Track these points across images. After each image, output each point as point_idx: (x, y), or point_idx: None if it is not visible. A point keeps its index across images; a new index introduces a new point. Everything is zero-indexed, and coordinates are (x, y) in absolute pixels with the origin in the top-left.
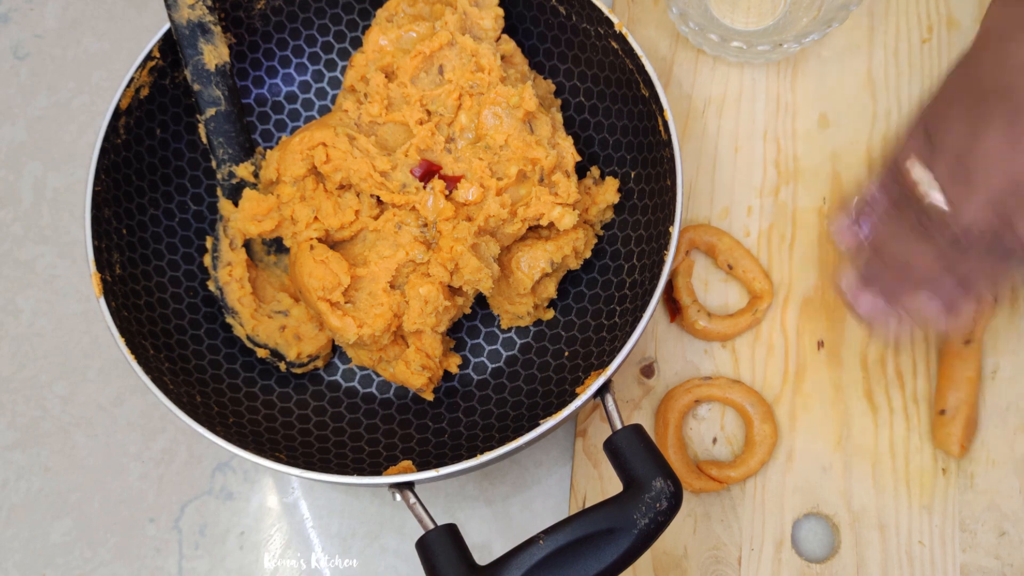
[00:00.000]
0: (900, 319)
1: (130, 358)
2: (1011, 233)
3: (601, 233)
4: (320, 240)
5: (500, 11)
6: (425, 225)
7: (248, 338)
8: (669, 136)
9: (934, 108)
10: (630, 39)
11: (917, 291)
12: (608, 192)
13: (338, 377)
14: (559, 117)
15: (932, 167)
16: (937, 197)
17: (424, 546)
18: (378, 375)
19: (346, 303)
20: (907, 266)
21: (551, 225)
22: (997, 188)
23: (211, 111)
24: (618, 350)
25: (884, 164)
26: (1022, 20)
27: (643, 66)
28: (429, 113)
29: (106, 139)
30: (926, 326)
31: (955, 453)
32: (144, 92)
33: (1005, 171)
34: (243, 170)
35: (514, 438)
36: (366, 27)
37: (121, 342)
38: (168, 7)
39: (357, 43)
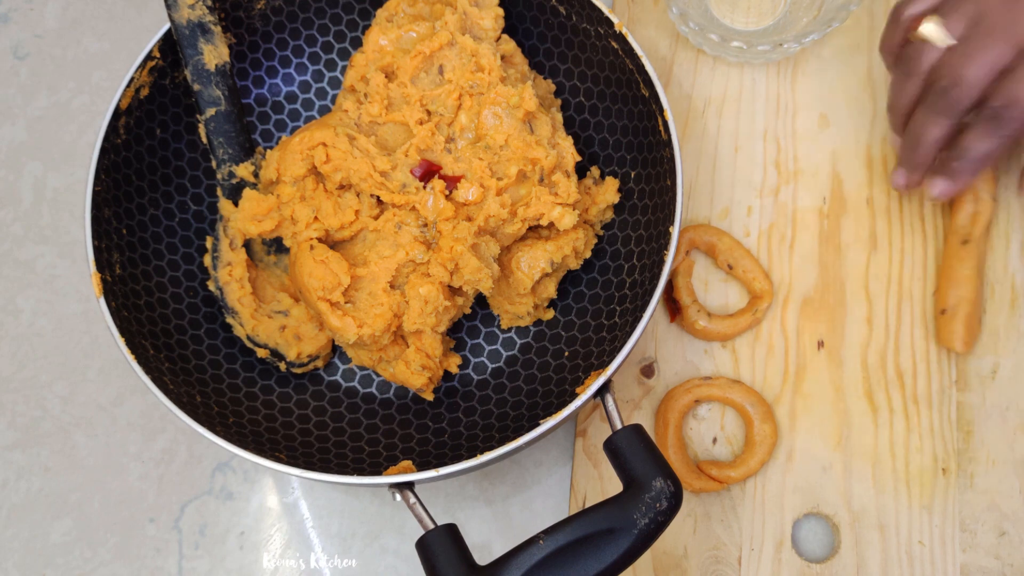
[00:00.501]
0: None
1: (130, 358)
2: (1011, 101)
3: (601, 233)
4: (320, 240)
5: (500, 11)
6: (425, 225)
7: (248, 338)
8: (669, 136)
9: None
10: (630, 39)
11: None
12: (608, 192)
13: (338, 377)
14: (559, 117)
15: (943, 10)
16: (944, 38)
17: (424, 546)
18: (378, 375)
19: (346, 303)
20: (920, 136)
21: (551, 225)
22: (1003, 47)
23: (211, 111)
24: (618, 350)
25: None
26: None
27: (643, 66)
28: (429, 113)
29: (106, 139)
30: (935, 201)
31: (959, 349)
32: (144, 92)
33: (1014, 31)
34: (243, 170)
35: (514, 438)
36: (366, 27)
37: (121, 342)
38: (168, 7)
39: (357, 43)
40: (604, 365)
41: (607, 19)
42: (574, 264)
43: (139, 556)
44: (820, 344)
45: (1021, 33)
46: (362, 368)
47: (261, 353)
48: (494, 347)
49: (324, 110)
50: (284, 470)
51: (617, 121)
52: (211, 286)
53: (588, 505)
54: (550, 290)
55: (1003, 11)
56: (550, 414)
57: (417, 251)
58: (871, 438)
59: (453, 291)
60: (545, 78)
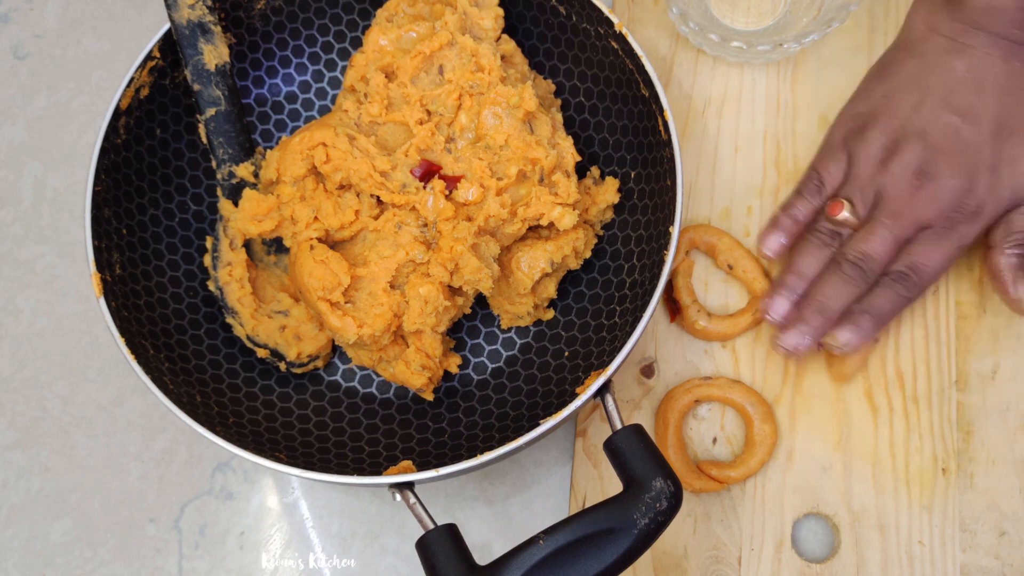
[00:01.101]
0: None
1: (130, 358)
2: (908, 265)
3: (601, 233)
4: (320, 240)
5: (500, 11)
6: (425, 225)
7: (248, 338)
8: (669, 136)
9: (854, 121)
10: (630, 39)
11: (838, 326)
12: (608, 192)
13: (338, 377)
14: (559, 117)
15: (850, 193)
16: (849, 216)
17: (424, 546)
18: (378, 375)
19: (346, 303)
20: (827, 300)
21: (551, 225)
22: (903, 226)
23: (211, 111)
24: (618, 350)
25: (806, 172)
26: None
27: (643, 66)
28: (429, 113)
29: (106, 139)
30: (839, 353)
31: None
32: (144, 92)
33: (912, 212)
34: (243, 170)
35: (514, 438)
36: (366, 27)
37: (121, 342)
38: (168, 7)
39: (357, 43)
40: (604, 365)
41: (607, 19)
42: (574, 264)
43: (139, 556)
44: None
45: (916, 215)
46: (362, 368)
47: (261, 353)
48: (494, 347)
49: (324, 110)
50: (284, 470)
51: (617, 121)
52: (211, 286)
53: (588, 505)
54: (550, 290)
55: (902, 196)
56: (550, 414)
57: (417, 251)
58: (871, 438)
59: (453, 291)
60: (545, 78)
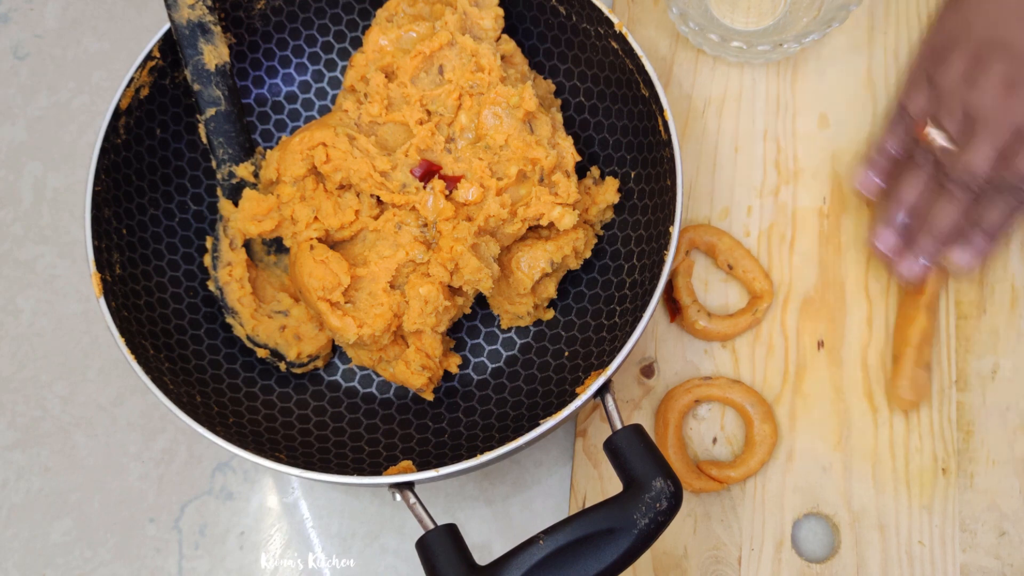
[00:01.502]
0: (937, 272)
1: (130, 358)
2: (1015, 173)
3: (601, 233)
4: (320, 240)
5: (500, 11)
6: (425, 225)
7: (248, 338)
8: (669, 136)
9: (933, 52)
10: (630, 39)
11: (951, 246)
12: (608, 192)
13: (338, 377)
14: (559, 117)
15: (938, 115)
16: (945, 144)
17: (424, 546)
18: (378, 375)
19: (346, 303)
20: (935, 220)
21: (551, 225)
22: (1001, 135)
23: (211, 111)
24: (618, 350)
25: (892, 109)
26: None
27: (643, 66)
28: (429, 113)
29: (106, 139)
30: (961, 275)
31: (906, 399)
32: (144, 92)
33: (1007, 120)
34: (243, 170)
35: (514, 438)
36: (366, 27)
37: (121, 342)
38: (168, 7)
39: (357, 43)
40: (604, 365)
41: (607, 19)
42: (574, 264)
43: (139, 556)
44: (820, 344)
45: (1012, 124)
46: (362, 368)
47: (261, 353)
48: (494, 347)
49: (324, 110)
50: (284, 470)
51: (617, 121)
52: (211, 286)
53: (588, 505)
54: (550, 290)
55: (994, 108)
56: (550, 414)
57: (417, 251)
58: (871, 438)
59: (453, 291)
60: (545, 78)
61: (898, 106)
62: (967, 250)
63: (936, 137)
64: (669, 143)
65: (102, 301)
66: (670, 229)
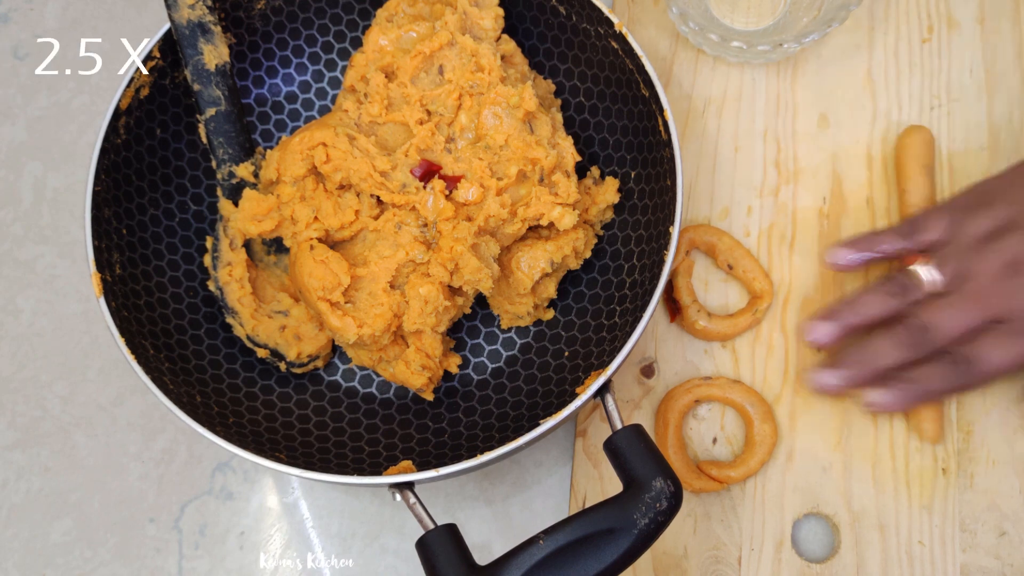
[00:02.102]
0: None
1: (130, 358)
2: (973, 359)
3: (601, 233)
4: (320, 240)
5: (500, 11)
6: (425, 225)
7: (248, 338)
8: (669, 136)
9: (976, 198)
10: (630, 39)
11: (873, 384)
12: (608, 192)
13: (338, 377)
14: (559, 117)
15: (938, 256)
16: (929, 283)
17: (424, 546)
18: (378, 375)
19: (346, 303)
20: (873, 353)
21: (551, 225)
22: (980, 311)
23: (211, 111)
24: (618, 350)
25: (906, 218)
26: None
27: (643, 66)
28: (429, 113)
29: (106, 139)
30: (865, 411)
31: (929, 437)
32: (144, 92)
33: (992, 299)
34: (243, 170)
35: (514, 438)
36: (366, 27)
37: (121, 342)
38: (168, 7)
39: (357, 43)
40: (604, 365)
41: (607, 19)
42: (574, 264)
43: (139, 556)
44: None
45: (996, 305)
46: (362, 368)
47: (261, 353)
48: (494, 347)
49: (324, 110)
50: (284, 470)
51: (617, 121)
52: (211, 286)
53: (588, 505)
54: (550, 290)
55: (989, 281)
56: (550, 414)
57: (417, 251)
58: (871, 438)
59: (453, 291)
60: (545, 78)
61: (916, 216)
62: (886, 396)
63: (923, 277)
64: (669, 143)
65: (102, 301)
66: (670, 229)
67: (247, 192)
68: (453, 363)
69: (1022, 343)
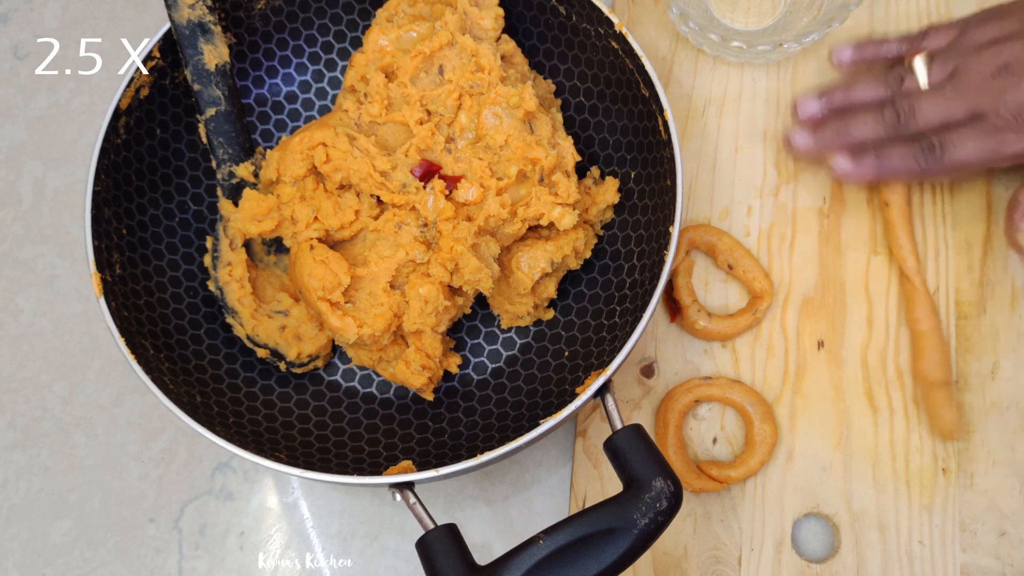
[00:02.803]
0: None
1: (130, 358)
2: (946, 147)
3: (601, 233)
4: (320, 240)
5: (500, 11)
6: (425, 225)
7: (248, 338)
8: (669, 136)
9: (986, 13)
10: (630, 39)
11: (844, 151)
12: (608, 192)
13: (338, 377)
14: (559, 117)
15: (938, 55)
16: (919, 79)
17: (424, 546)
18: (378, 375)
19: (346, 303)
20: (851, 123)
21: (551, 225)
22: (961, 106)
23: (211, 111)
24: (618, 350)
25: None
26: None
27: (643, 66)
28: (429, 113)
29: (106, 139)
30: (830, 175)
31: (949, 437)
32: (144, 92)
33: (978, 96)
34: (243, 170)
35: (514, 438)
36: (366, 27)
37: (121, 342)
38: (168, 7)
39: (357, 43)
40: (604, 365)
41: (607, 19)
42: (574, 264)
43: (139, 556)
44: (820, 344)
45: (979, 101)
46: (362, 368)
47: (261, 353)
48: (494, 347)
49: (324, 110)
50: (284, 470)
51: (617, 121)
52: (211, 286)
53: (588, 505)
54: (550, 290)
55: (979, 78)
56: (550, 414)
57: (417, 251)
58: (871, 438)
59: (453, 291)
60: (545, 78)
61: (930, 25)
62: (852, 164)
63: (918, 70)
64: (669, 143)
65: (102, 301)
66: (670, 229)
67: (247, 192)
68: (453, 363)
69: (993, 141)
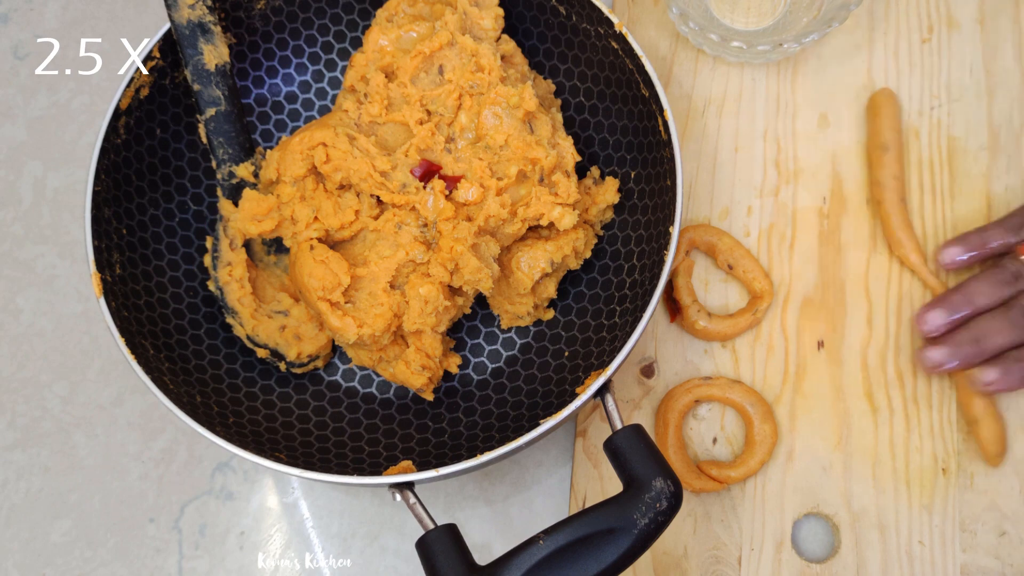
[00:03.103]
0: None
1: (130, 358)
2: None
3: (601, 233)
4: (320, 240)
5: (500, 11)
6: (425, 225)
7: (248, 338)
8: (669, 136)
9: None
10: (630, 39)
11: (986, 364)
12: (608, 192)
13: (338, 377)
14: (559, 117)
15: None
16: None
17: (424, 546)
18: (378, 375)
19: (346, 303)
20: (985, 333)
21: (551, 225)
22: None
23: (211, 111)
24: (618, 350)
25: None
26: None
27: (643, 66)
28: (429, 113)
29: (106, 139)
30: (980, 392)
31: (994, 462)
32: (144, 92)
33: None
34: (243, 170)
35: (514, 438)
36: (366, 27)
37: (121, 342)
38: (168, 7)
39: (357, 43)
40: (604, 365)
41: (607, 19)
42: (574, 264)
43: (139, 556)
44: (820, 344)
45: None
46: (362, 368)
47: (261, 353)
48: (494, 347)
49: (324, 110)
50: (284, 470)
51: (617, 121)
52: (211, 286)
53: (588, 505)
54: (550, 290)
55: None
56: (550, 414)
57: (417, 251)
58: (871, 438)
59: (453, 291)
60: (545, 78)
61: (1018, 216)
62: (1000, 374)
63: None
64: (669, 143)
65: (102, 301)
66: (670, 229)
67: (247, 192)
68: (453, 363)
69: None
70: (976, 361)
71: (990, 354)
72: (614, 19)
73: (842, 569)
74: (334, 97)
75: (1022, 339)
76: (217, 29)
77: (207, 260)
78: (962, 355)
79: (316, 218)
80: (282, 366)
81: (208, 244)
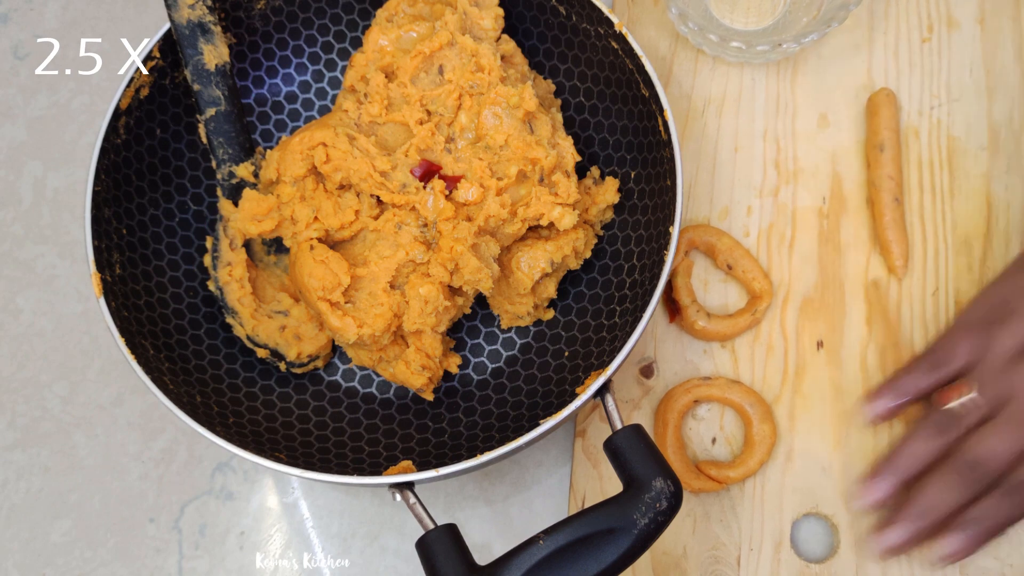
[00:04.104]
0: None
1: (130, 358)
2: None
3: (601, 233)
4: (320, 240)
5: (500, 11)
6: (425, 225)
7: (248, 338)
8: (669, 136)
9: (990, 310)
10: (630, 39)
11: (940, 532)
12: (608, 192)
13: (338, 377)
14: (559, 117)
15: (974, 382)
16: (970, 409)
17: (424, 546)
18: (378, 375)
19: (346, 303)
20: (931, 500)
21: (551, 225)
22: None
23: (211, 111)
24: (618, 350)
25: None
26: None
27: (643, 66)
28: (429, 113)
29: (106, 139)
30: (937, 565)
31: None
32: (144, 92)
33: None
34: (243, 170)
35: (514, 438)
36: (366, 27)
37: (121, 342)
38: (168, 7)
39: (357, 43)
40: (604, 365)
41: (607, 19)
42: (574, 264)
43: (139, 556)
44: (820, 344)
45: None
46: (362, 368)
47: (261, 353)
48: (494, 347)
49: (324, 110)
50: (284, 470)
51: (617, 121)
52: (211, 286)
53: (588, 505)
54: (550, 290)
55: None
56: (550, 414)
57: (417, 251)
58: (871, 438)
59: (453, 291)
60: (545, 78)
61: (936, 346)
62: (958, 542)
63: (960, 409)
64: (669, 143)
65: (102, 301)
66: (670, 229)
67: (247, 192)
68: (453, 363)
69: None
70: (928, 533)
71: (941, 521)
72: (614, 19)
73: (841, 569)
74: (334, 97)
75: (966, 499)
76: (217, 29)
77: (207, 260)
78: (913, 532)
79: (316, 218)
80: (282, 366)
81: (208, 244)
